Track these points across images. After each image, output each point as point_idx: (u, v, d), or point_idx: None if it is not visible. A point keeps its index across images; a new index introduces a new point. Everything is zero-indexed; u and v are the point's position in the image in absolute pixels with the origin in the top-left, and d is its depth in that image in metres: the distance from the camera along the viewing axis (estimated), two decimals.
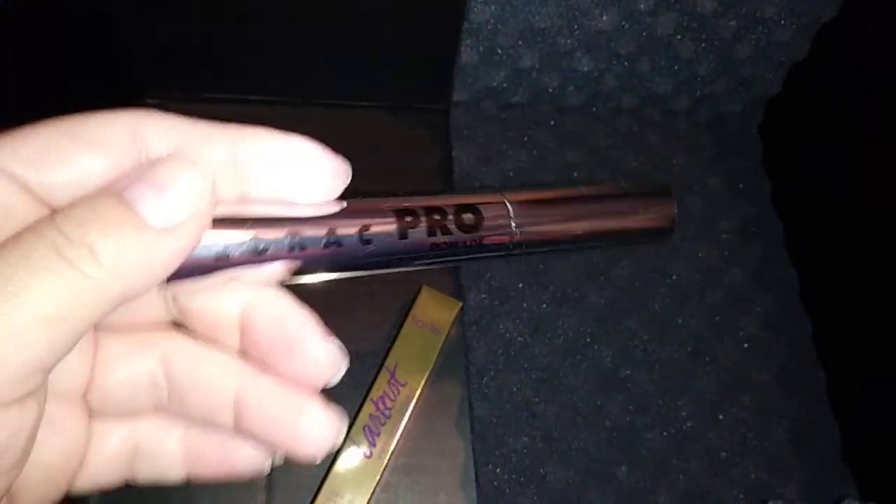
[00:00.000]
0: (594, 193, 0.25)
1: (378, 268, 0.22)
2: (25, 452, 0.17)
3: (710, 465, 0.51)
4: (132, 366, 0.21)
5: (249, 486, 0.48)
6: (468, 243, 0.22)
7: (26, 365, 0.16)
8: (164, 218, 0.17)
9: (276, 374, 0.21)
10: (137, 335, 0.21)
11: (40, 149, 0.18)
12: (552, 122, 0.61)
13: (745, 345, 0.55)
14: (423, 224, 0.22)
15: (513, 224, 0.23)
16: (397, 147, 0.60)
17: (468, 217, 0.22)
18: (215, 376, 0.21)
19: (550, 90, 0.59)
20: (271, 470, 0.23)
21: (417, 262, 0.22)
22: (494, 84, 0.57)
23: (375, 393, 0.49)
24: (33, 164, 0.17)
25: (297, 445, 0.20)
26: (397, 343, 0.50)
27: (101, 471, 0.21)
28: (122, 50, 0.53)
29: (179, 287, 0.19)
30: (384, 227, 0.21)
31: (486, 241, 0.23)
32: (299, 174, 0.20)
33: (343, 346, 0.21)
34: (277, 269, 0.20)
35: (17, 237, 0.16)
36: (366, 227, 0.21)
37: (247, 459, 0.22)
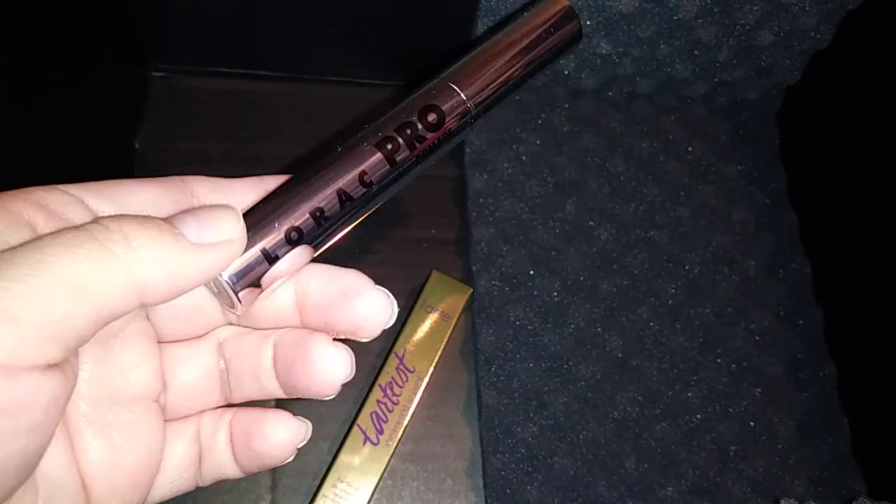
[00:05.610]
0: (509, 37, 0.28)
1: (382, 198, 0.24)
2: (46, 429, 0.17)
3: (719, 458, 0.50)
4: (194, 360, 0.24)
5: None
6: (441, 138, 0.25)
7: (45, 328, 0.16)
8: (198, 236, 0.19)
9: (334, 330, 0.23)
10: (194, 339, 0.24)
11: (107, 183, 0.21)
12: (567, 106, 0.60)
13: (757, 337, 0.55)
14: (401, 142, 0.24)
15: (466, 102, 0.25)
16: None
17: (432, 117, 0.25)
18: (256, 344, 0.24)
19: (566, 72, 0.57)
20: None
21: (409, 176, 0.25)
22: None
23: (383, 379, 0.48)
24: (101, 194, 0.21)
25: (311, 378, 0.23)
26: (406, 329, 0.49)
27: (175, 475, 0.24)
28: (128, 21, 0.51)
29: (259, 297, 0.22)
30: (375, 164, 0.23)
31: (452, 129, 0.25)
32: None
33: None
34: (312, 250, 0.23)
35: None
36: (363, 173, 0.23)
37: (279, 438, 0.24)
